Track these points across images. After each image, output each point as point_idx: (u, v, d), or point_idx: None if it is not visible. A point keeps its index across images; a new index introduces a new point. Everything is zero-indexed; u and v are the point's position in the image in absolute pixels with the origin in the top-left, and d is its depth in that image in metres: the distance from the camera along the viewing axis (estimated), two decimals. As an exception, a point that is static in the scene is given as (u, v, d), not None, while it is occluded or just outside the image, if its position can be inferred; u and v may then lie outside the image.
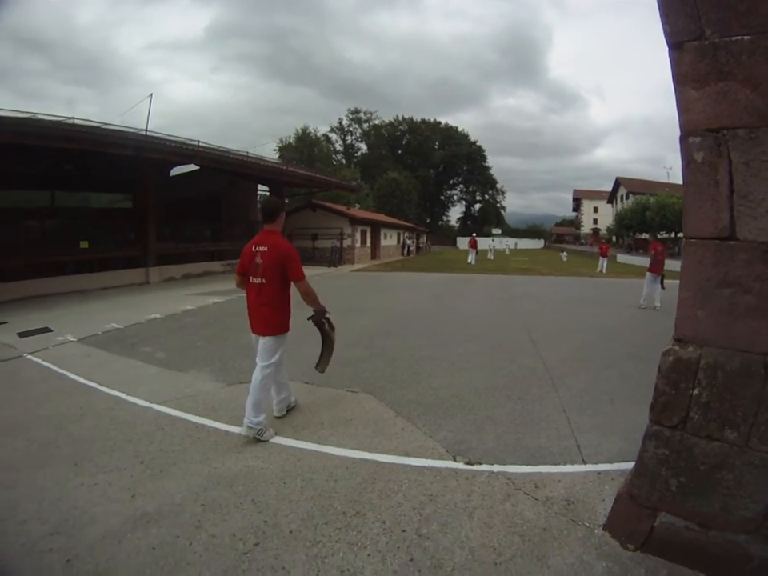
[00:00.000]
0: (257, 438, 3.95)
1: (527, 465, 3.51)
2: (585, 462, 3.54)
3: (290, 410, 4.59)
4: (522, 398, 4.94)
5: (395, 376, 5.74)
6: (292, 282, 4.10)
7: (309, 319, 4.22)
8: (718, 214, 2.25)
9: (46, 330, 8.85)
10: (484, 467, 3.48)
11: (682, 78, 2.36)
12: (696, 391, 2.32)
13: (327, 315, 4.28)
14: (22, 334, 8.43)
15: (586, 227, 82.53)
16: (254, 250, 4.11)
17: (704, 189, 2.29)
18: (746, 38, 2.15)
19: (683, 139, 2.37)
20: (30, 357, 6.92)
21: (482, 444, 3.86)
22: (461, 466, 3.51)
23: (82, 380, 5.75)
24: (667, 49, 2.41)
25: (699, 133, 2.30)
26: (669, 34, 2.39)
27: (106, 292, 14.98)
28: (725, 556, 2.29)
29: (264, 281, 4.04)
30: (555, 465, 3.51)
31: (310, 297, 4.13)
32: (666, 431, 2.43)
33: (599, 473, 3.36)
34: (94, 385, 5.53)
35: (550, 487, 3.18)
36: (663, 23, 2.41)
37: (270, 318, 4.08)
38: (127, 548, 2.61)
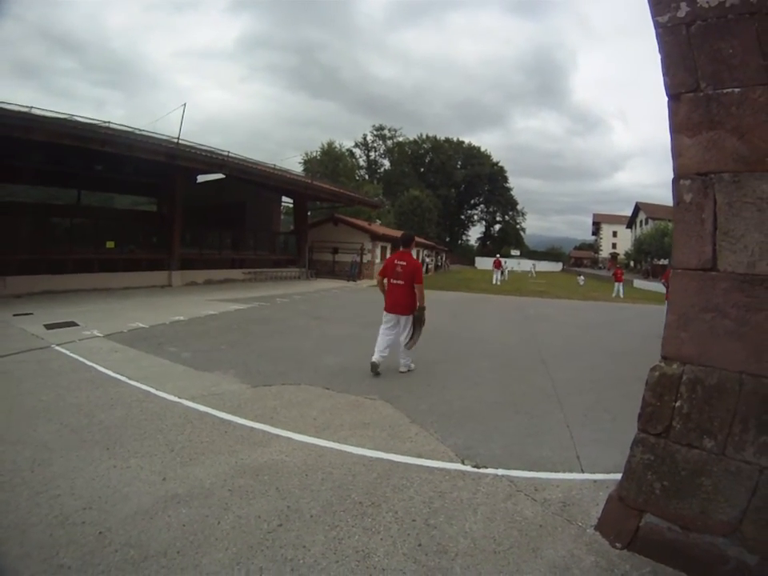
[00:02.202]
0: (409, 369, 6.62)
1: (529, 470, 3.71)
2: (583, 471, 3.74)
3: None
4: (529, 412, 5.13)
5: (411, 387, 5.95)
6: (414, 284, 6.43)
7: (416, 311, 6.49)
8: (702, 248, 2.52)
9: (72, 324, 9.10)
10: (489, 470, 3.70)
11: (677, 127, 2.62)
12: (678, 403, 2.56)
13: (425, 312, 6.61)
14: (48, 326, 8.67)
15: (605, 251, 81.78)
16: (395, 262, 6.57)
17: (691, 226, 2.56)
18: (735, 90, 2.41)
19: (675, 181, 2.64)
20: (58, 348, 7.17)
21: (489, 451, 4.07)
22: (468, 468, 3.73)
23: (110, 373, 5.95)
24: (666, 99, 2.68)
25: (690, 176, 2.57)
26: (668, 86, 2.65)
27: (130, 292, 15.33)
28: (703, 557, 2.46)
29: (403, 282, 6.46)
30: (555, 472, 3.72)
31: (422, 295, 6.50)
32: (651, 438, 2.66)
33: (595, 481, 3.55)
34: (122, 378, 5.74)
35: (548, 491, 3.40)
36: (664, 75, 2.66)
37: (408, 304, 6.51)
38: (158, 524, 2.80)
